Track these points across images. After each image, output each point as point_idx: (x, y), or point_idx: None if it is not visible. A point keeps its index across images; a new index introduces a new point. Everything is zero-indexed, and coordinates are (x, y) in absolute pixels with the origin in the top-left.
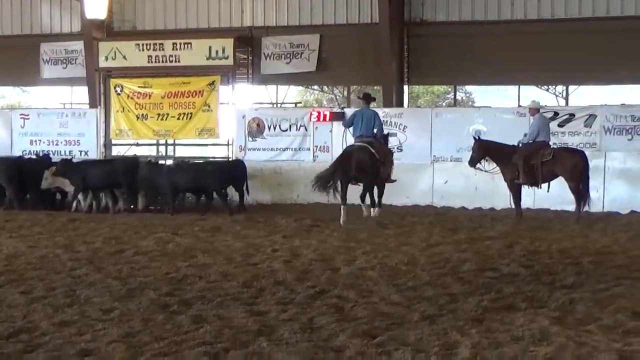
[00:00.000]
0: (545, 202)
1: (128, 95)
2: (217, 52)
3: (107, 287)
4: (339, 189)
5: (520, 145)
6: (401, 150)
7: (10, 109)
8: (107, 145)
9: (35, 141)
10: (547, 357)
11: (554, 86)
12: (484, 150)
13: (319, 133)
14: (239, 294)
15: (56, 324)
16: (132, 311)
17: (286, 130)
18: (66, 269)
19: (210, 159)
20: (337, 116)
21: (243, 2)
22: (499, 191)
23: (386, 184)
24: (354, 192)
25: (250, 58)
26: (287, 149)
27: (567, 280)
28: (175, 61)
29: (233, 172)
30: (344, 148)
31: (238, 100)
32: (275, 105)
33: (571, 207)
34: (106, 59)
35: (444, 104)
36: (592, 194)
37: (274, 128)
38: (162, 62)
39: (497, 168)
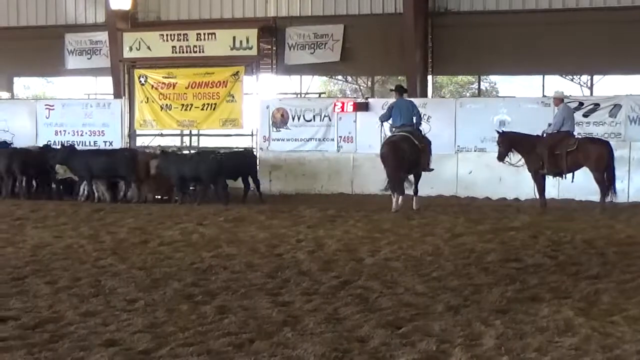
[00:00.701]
0: (569, 193)
1: (152, 86)
2: (241, 42)
3: (131, 278)
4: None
5: (545, 135)
6: None
7: (35, 99)
8: (132, 135)
9: (60, 131)
10: (572, 348)
11: (578, 76)
12: (509, 142)
13: (342, 123)
14: (264, 285)
15: (81, 314)
16: (156, 301)
17: (310, 120)
18: (91, 260)
19: (211, 149)
20: (361, 106)
21: None
22: (524, 181)
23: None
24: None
25: (274, 48)
26: (311, 139)
27: (592, 271)
28: (200, 51)
29: (238, 162)
30: (386, 138)
31: (262, 90)
32: (299, 96)
33: (596, 197)
34: (130, 49)
35: (468, 94)
36: (617, 184)
37: (298, 118)
38: (186, 52)
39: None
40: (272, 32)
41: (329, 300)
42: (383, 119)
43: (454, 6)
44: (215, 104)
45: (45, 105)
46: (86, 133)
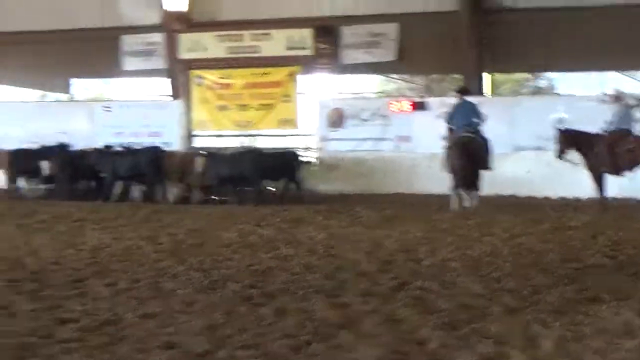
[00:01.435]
0: (630, 191)
1: (208, 87)
2: (296, 42)
3: (190, 279)
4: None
5: (603, 133)
6: None
7: (93, 101)
8: (189, 136)
9: (118, 133)
10: (632, 350)
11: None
12: (567, 139)
13: (400, 123)
14: (322, 286)
15: (140, 316)
16: (214, 303)
17: (367, 120)
18: (150, 261)
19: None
20: (418, 105)
21: None
22: (583, 180)
23: None
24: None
25: (330, 48)
26: (367, 139)
27: None
28: (255, 52)
29: (278, 162)
30: (454, 138)
31: (318, 90)
32: (355, 95)
33: None
34: (187, 50)
35: (524, 91)
36: None
37: (355, 118)
38: (242, 53)
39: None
40: (327, 31)
41: (387, 301)
42: (447, 120)
43: (509, 3)
44: (272, 104)
45: (103, 106)
46: (144, 134)
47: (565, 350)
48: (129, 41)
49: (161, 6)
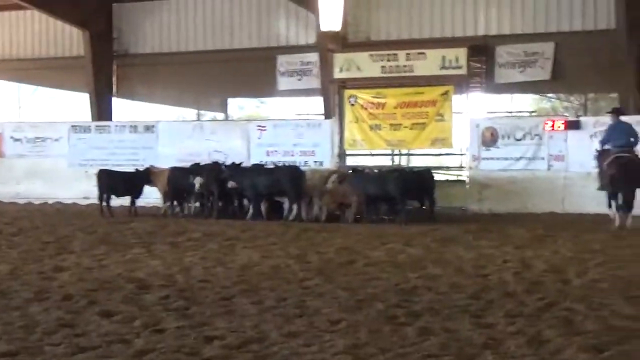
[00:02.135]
0: None
1: (362, 106)
2: (450, 61)
3: (336, 298)
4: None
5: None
6: None
7: (247, 120)
8: (342, 155)
9: (271, 152)
10: None
11: None
12: None
13: (553, 142)
14: (467, 306)
15: (285, 335)
16: (359, 322)
17: (520, 139)
18: (297, 279)
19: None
20: (572, 125)
21: (477, 11)
22: None
23: None
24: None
25: (484, 67)
26: (521, 158)
27: None
28: (409, 71)
29: (415, 181)
30: (613, 157)
31: (472, 109)
32: (509, 114)
33: None
34: (341, 70)
35: None
36: None
37: (508, 137)
38: (396, 72)
39: None
40: (481, 50)
41: (533, 322)
42: (604, 140)
43: None
44: (425, 123)
45: (258, 125)
46: (297, 153)
47: None
48: (284, 61)
49: (317, 26)
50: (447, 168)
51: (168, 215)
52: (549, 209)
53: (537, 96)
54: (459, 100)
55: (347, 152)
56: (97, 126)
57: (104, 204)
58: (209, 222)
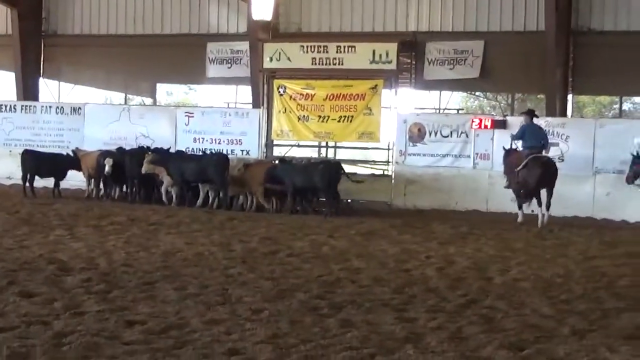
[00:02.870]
0: None
1: (290, 97)
2: (380, 56)
3: (258, 287)
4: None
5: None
6: (562, 160)
7: (176, 106)
8: (269, 145)
9: (198, 139)
10: None
11: None
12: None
13: (480, 140)
14: (390, 300)
15: (206, 322)
16: (281, 312)
17: (447, 136)
18: (221, 267)
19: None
20: (499, 124)
21: (409, 7)
22: None
23: None
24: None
25: (414, 63)
26: (447, 155)
27: None
28: (339, 64)
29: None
30: (529, 157)
31: (400, 104)
32: (437, 111)
33: None
34: (271, 59)
35: (610, 114)
36: None
37: (435, 134)
38: (326, 64)
39: None
40: (411, 46)
41: (454, 318)
42: (515, 138)
43: (597, 26)
44: (352, 116)
45: (185, 112)
46: (224, 141)
47: None
48: (214, 48)
49: (248, 15)
50: (374, 162)
51: (92, 198)
52: (473, 207)
53: (465, 94)
54: (387, 95)
55: (275, 142)
56: (23, 106)
57: (27, 184)
58: (133, 207)
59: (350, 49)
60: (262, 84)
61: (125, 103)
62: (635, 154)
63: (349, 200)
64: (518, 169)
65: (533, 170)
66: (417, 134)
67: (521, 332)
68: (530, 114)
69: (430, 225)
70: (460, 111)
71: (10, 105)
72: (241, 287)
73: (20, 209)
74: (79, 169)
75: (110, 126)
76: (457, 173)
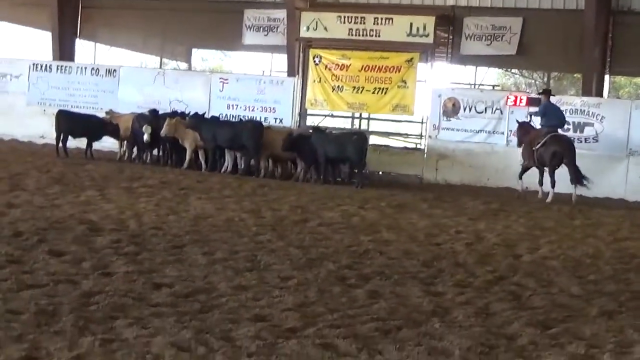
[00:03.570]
0: None
1: (326, 66)
2: (417, 29)
3: (287, 255)
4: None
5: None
6: (597, 141)
7: (210, 72)
8: (302, 114)
9: (232, 105)
10: None
11: None
12: None
13: (514, 117)
14: (418, 273)
15: (234, 287)
16: (309, 281)
17: (481, 112)
18: (250, 234)
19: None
20: (534, 102)
21: None
22: None
23: None
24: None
25: (451, 37)
26: (480, 131)
27: None
28: (375, 35)
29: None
30: (548, 136)
31: (435, 78)
32: (472, 87)
33: None
34: (307, 29)
35: None
36: None
37: (470, 109)
38: (362, 35)
39: None
40: (449, 20)
41: (482, 294)
42: (535, 115)
43: (637, 6)
44: (387, 88)
45: (220, 78)
46: (257, 109)
47: None
48: (251, 15)
49: None
50: (406, 135)
51: (124, 160)
52: (505, 184)
53: (501, 71)
54: (423, 69)
55: (308, 111)
56: (58, 66)
57: (60, 144)
58: (164, 170)
59: (387, 21)
60: (298, 53)
61: (160, 67)
62: None
63: (380, 173)
64: (537, 146)
65: (551, 148)
66: (451, 109)
67: (549, 311)
68: (548, 93)
69: (461, 201)
70: (495, 87)
71: (46, 65)
72: (270, 254)
73: (52, 169)
74: (115, 135)
75: (144, 89)
76: (489, 149)
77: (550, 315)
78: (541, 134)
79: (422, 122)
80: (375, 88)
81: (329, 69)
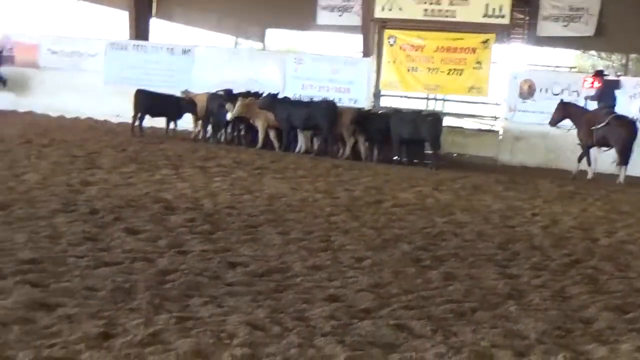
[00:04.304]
0: None
1: (400, 47)
2: (494, 10)
3: (362, 236)
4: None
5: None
6: None
7: (285, 52)
8: (377, 95)
9: (307, 86)
10: None
11: None
12: None
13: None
14: (493, 255)
15: (308, 267)
16: (383, 262)
17: (558, 94)
18: (324, 214)
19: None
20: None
21: None
22: None
23: None
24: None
25: (527, 18)
26: None
27: None
28: (451, 16)
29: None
30: (610, 116)
31: (511, 60)
32: (548, 68)
33: None
34: (382, 9)
35: None
36: None
37: (546, 91)
38: (438, 16)
39: None
40: (526, 1)
41: (558, 277)
42: (592, 99)
43: None
44: (462, 69)
45: (295, 58)
46: (332, 89)
47: None
48: None
49: None
50: (481, 117)
51: (199, 139)
52: (580, 167)
53: (578, 52)
54: (498, 50)
55: (382, 92)
56: (134, 45)
57: (137, 123)
58: (239, 150)
59: (463, 1)
60: (373, 34)
61: (235, 47)
62: None
63: (455, 154)
64: (597, 126)
65: (616, 129)
66: (527, 91)
67: (626, 295)
68: (601, 74)
69: (536, 183)
70: (572, 69)
71: (122, 44)
72: (344, 235)
73: (127, 147)
74: (193, 112)
75: (219, 69)
76: (565, 132)
77: (628, 299)
78: (600, 114)
79: (496, 104)
80: (450, 69)
81: (404, 50)
